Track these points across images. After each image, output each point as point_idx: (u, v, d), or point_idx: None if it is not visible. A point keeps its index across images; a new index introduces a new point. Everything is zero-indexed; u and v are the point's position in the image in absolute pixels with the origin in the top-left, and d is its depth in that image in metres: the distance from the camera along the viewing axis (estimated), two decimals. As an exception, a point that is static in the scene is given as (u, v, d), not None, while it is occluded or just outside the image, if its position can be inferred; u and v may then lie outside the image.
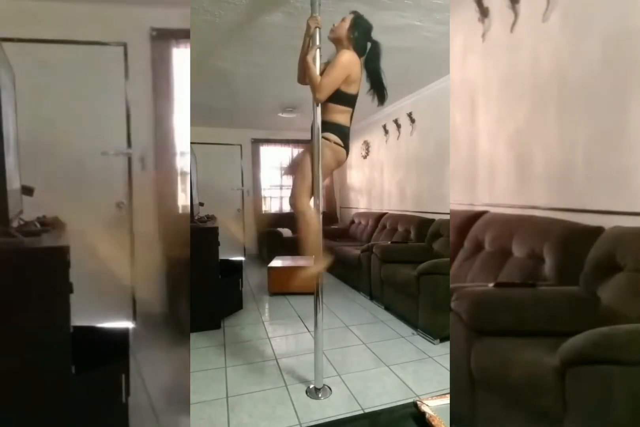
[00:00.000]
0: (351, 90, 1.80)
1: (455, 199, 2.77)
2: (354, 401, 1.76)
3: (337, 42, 1.82)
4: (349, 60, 1.74)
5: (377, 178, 5.10)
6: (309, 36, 1.77)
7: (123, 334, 1.48)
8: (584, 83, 1.86)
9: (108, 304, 2.52)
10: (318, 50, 1.78)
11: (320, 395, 1.80)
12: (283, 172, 5.92)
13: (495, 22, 2.37)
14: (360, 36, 1.81)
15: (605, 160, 1.77)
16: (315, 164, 1.81)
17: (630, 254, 1.48)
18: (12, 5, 2.39)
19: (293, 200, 1.87)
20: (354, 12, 1.83)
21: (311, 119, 1.80)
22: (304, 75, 1.83)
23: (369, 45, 1.84)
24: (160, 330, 2.60)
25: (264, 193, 5.98)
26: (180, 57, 2.76)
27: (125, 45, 2.62)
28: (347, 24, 1.79)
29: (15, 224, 1.36)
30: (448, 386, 1.81)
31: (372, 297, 3.38)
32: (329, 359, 2.17)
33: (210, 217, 3.36)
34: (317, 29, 1.75)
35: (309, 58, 1.74)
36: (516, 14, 2.20)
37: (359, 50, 1.81)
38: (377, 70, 1.87)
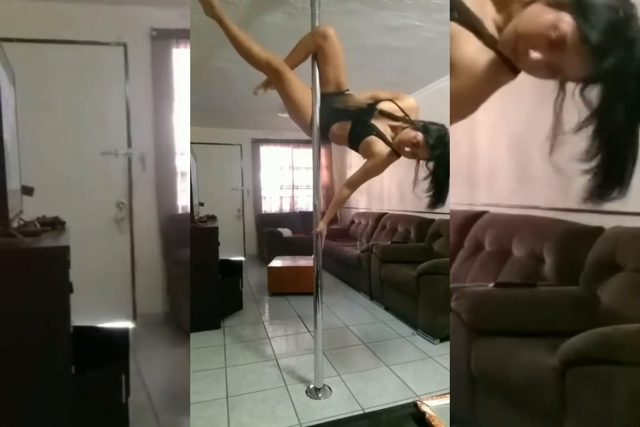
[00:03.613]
0: None
1: (455, 199, 2.77)
2: (354, 401, 1.76)
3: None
4: (375, 168, 1.77)
5: (377, 178, 5.08)
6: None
7: (123, 334, 1.48)
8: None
9: (108, 304, 2.52)
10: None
11: (320, 395, 1.80)
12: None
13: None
14: (436, 143, 1.61)
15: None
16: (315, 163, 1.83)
17: (630, 254, 1.48)
18: (12, 5, 2.40)
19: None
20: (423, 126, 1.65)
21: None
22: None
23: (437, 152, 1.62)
24: (160, 330, 2.60)
25: (264, 193, 5.98)
26: (180, 57, 2.76)
27: (125, 45, 2.62)
28: (420, 139, 1.61)
29: (15, 224, 1.36)
30: (448, 386, 1.82)
31: (372, 297, 3.38)
32: (329, 359, 2.17)
33: (210, 217, 3.36)
34: None
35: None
36: (516, 14, 2.20)
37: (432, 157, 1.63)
38: (443, 181, 1.63)
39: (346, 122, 1.75)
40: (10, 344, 1.07)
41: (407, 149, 1.64)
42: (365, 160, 1.77)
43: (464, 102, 0.78)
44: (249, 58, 1.67)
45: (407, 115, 1.72)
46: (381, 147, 1.70)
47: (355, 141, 1.75)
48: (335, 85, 1.78)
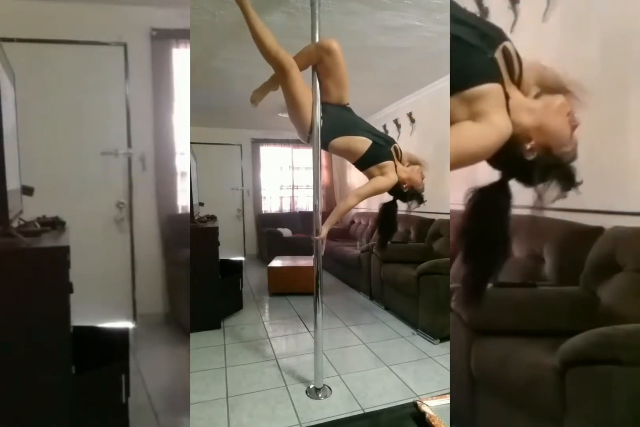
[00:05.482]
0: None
1: (455, 199, 2.77)
2: (354, 401, 1.76)
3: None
4: (385, 187, 1.87)
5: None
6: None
7: (123, 334, 1.48)
8: (583, 83, 1.86)
9: (108, 304, 2.52)
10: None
11: (320, 395, 1.80)
12: None
13: (495, 22, 2.37)
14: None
15: (605, 160, 1.77)
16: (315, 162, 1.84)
17: (630, 254, 1.48)
18: (12, 5, 2.40)
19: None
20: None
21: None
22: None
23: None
24: (160, 330, 2.60)
25: (264, 193, 5.98)
26: (180, 57, 2.76)
27: (125, 45, 2.62)
28: (420, 176, 1.94)
29: (15, 224, 1.36)
30: (448, 386, 1.82)
31: (372, 297, 3.38)
32: (329, 359, 2.17)
33: (210, 217, 3.36)
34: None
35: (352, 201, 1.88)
36: (516, 14, 2.20)
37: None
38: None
39: (360, 137, 1.81)
40: (10, 344, 1.07)
41: (415, 179, 1.93)
42: (375, 177, 1.89)
43: (486, 154, 0.86)
44: (260, 46, 1.70)
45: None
46: (394, 172, 1.89)
47: (370, 160, 1.85)
48: (336, 98, 1.81)
